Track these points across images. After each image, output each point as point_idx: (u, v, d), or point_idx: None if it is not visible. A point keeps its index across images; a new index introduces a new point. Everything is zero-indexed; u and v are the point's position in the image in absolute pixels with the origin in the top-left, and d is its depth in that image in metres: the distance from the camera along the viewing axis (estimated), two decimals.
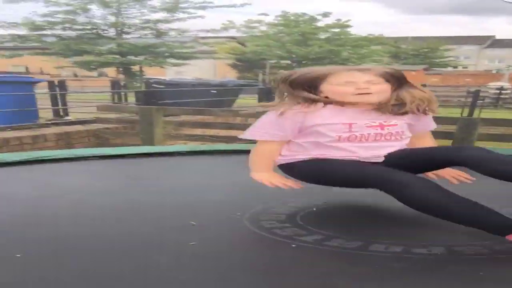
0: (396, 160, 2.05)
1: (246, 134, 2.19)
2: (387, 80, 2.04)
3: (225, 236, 2.07)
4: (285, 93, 2.11)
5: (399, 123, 2.11)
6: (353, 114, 2.06)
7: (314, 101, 2.06)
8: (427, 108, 2.12)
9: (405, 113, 2.09)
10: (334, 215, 2.44)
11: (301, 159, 2.13)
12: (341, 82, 2.02)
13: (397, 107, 2.07)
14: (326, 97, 2.06)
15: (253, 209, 2.42)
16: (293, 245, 1.87)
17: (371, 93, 2.01)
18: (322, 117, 2.05)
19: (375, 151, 2.07)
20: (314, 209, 2.40)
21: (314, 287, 1.55)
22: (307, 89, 2.05)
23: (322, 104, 2.06)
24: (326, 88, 2.04)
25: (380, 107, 2.06)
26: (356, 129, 2.05)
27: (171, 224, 2.20)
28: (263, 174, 2.18)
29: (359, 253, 1.80)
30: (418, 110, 2.09)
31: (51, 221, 2.29)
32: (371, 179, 1.95)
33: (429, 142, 2.29)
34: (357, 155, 2.05)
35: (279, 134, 2.10)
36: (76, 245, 1.94)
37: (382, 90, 2.03)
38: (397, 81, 2.07)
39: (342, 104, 2.06)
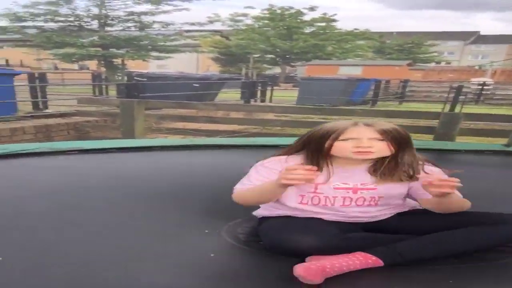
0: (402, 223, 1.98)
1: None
2: (388, 139, 1.87)
3: (204, 242, 2.04)
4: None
5: (381, 187, 1.96)
6: (339, 173, 1.95)
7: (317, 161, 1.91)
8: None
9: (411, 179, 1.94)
10: None
11: (266, 215, 2.08)
12: (344, 137, 1.86)
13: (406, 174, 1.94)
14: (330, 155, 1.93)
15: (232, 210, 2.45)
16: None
17: (372, 152, 1.86)
18: None
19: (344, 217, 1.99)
20: None
21: None
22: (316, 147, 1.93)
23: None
24: (330, 145, 1.89)
25: (376, 168, 1.95)
26: (321, 191, 1.95)
27: (150, 229, 2.18)
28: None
29: None
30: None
31: (31, 223, 2.23)
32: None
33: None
34: (322, 216, 1.97)
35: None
36: (56, 250, 1.91)
37: (383, 149, 1.88)
38: (398, 143, 1.89)
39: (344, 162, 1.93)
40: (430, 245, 1.80)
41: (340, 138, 1.86)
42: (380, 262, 1.74)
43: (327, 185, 1.94)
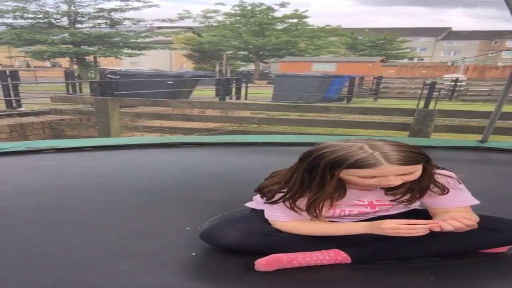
0: None
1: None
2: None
3: (186, 240, 2.02)
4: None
5: (396, 204, 1.86)
6: (353, 191, 1.82)
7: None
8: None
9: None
10: None
11: (254, 208, 2.08)
12: (367, 175, 1.64)
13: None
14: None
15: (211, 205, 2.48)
16: None
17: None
18: None
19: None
20: None
21: None
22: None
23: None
24: (347, 177, 1.68)
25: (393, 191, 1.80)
26: (337, 206, 1.84)
27: (130, 227, 2.17)
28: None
29: None
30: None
31: (9, 222, 2.22)
32: None
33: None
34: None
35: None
36: (36, 249, 1.89)
37: (409, 180, 1.68)
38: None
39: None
40: (404, 245, 1.75)
41: (362, 174, 1.63)
42: (348, 260, 1.76)
43: (343, 202, 1.82)
